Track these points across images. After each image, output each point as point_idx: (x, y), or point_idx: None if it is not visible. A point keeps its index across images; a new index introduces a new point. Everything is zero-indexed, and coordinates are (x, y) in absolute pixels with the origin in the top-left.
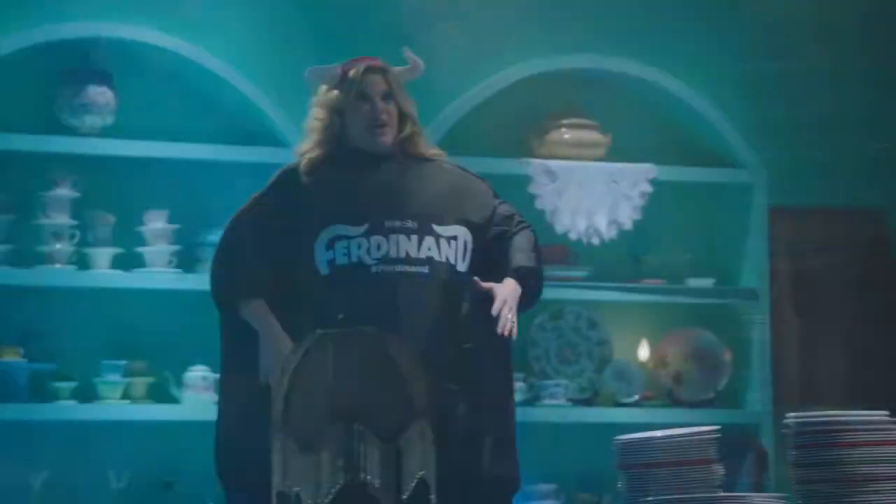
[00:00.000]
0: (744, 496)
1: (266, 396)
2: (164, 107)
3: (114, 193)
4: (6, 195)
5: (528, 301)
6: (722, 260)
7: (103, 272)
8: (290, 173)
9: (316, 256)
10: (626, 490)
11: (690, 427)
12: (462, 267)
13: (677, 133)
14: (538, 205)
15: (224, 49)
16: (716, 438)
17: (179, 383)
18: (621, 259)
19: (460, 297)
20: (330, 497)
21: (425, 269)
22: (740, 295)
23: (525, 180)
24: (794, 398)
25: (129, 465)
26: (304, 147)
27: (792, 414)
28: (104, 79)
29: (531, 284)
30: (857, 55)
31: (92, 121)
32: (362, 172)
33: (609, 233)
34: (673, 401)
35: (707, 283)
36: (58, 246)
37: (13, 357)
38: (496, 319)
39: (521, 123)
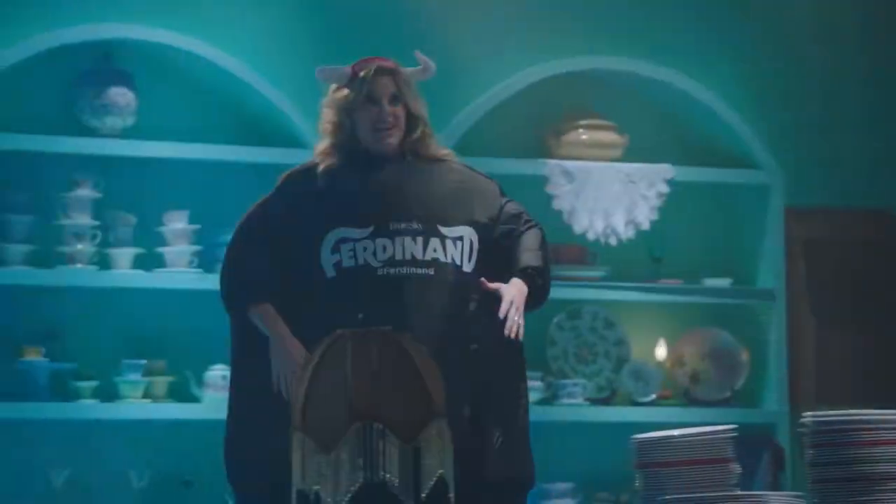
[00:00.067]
0: (760, 495)
1: (277, 400)
2: (184, 108)
3: (134, 194)
4: (28, 196)
5: (536, 300)
6: (739, 260)
7: (124, 272)
8: (296, 176)
9: (322, 259)
10: (644, 489)
11: (707, 426)
12: (468, 267)
13: (694, 134)
14: (556, 205)
15: (243, 50)
16: (733, 437)
17: (200, 382)
18: (639, 259)
19: (467, 297)
20: (349, 496)
21: (431, 271)
22: (757, 295)
23: (543, 181)
24: (810, 397)
25: (150, 464)
26: (320, 147)
27: (808, 413)
28: (125, 80)
29: (539, 284)
30: (874, 56)
31: (113, 122)
32: (368, 174)
33: (626, 233)
34: (690, 400)
35: (724, 283)
36: (79, 246)
37: (35, 356)
38: (503, 321)
39: (538, 124)
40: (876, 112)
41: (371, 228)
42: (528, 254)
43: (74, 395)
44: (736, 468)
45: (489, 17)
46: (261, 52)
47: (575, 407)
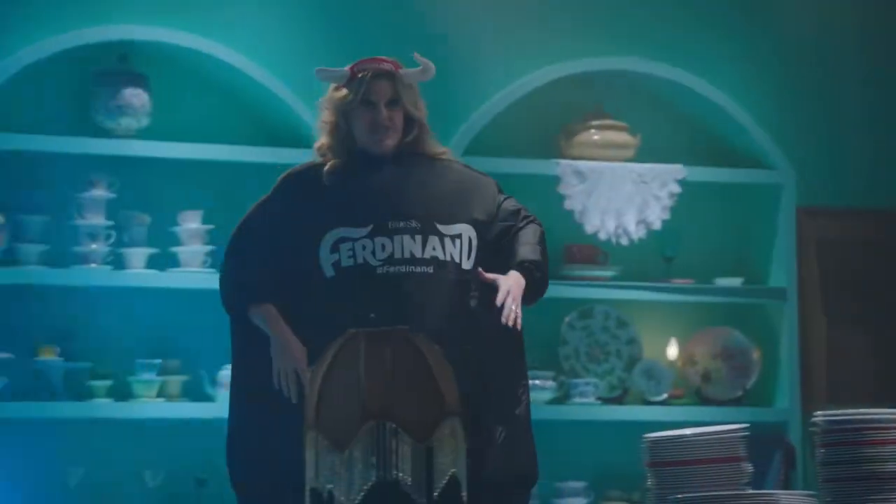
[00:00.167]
0: (772, 494)
1: (278, 401)
2: (198, 109)
3: (149, 194)
4: (43, 196)
5: (533, 294)
6: (750, 260)
7: (138, 272)
8: (294, 176)
9: (321, 259)
10: (655, 487)
11: (719, 425)
12: (467, 265)
13: (706, 134)
14: (568, 205)
15: (258, 52)
16: (744, 436)
17: (213, 382)
18: (651, 259)
19: (466, 295)
20: (362, 494)
21: (430, 269)
22: (769, 294)
23: (555, 181)
24: (821, 397)
25: (164, 463)
26: (317, 144)
27: (820, 412)
28: (139, 81)
29: (536, 277)
30: (885, 57)
31: (127, 123)
32: (366, 174)
33: (638, 233)
34: (701, 399)
35: (736, 282)
36: (93, 246)
37: (50, 356)
38: (500, 310)
39: (550, 125)
40: (889, 112)
41: (370, 227)
42: (526, 247)
43: (89, 395)
44: (748, 467)
45: (503, 17)
46: (275, 53)
47: (587, 406)
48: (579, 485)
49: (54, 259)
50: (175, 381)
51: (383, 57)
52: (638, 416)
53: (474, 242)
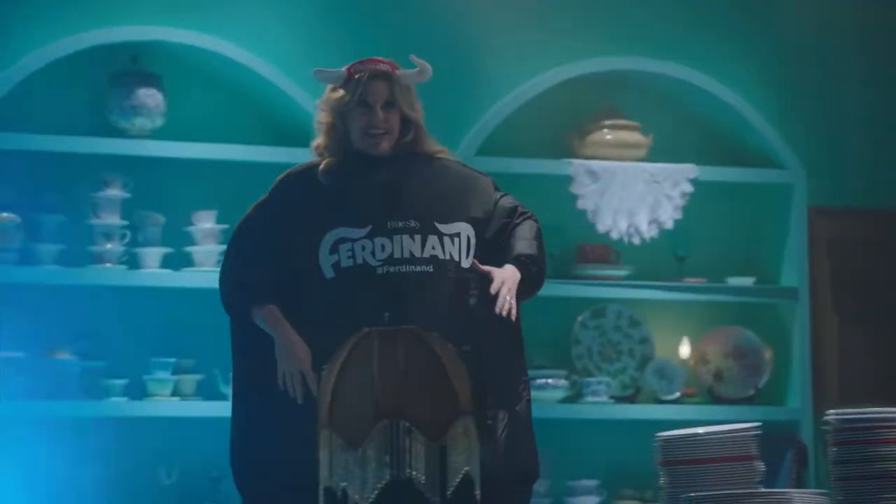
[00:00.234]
0: (784, 492)
1: (281, 401)
2: (212, 109)
3: (163, 194)
4: (58, 196)
5: (529, 288)
6: (762, 259)
7: (153, 272)
8: (292, 177)
9: (320, 260)
10: (668, 486)
11: (731, 424)
12: (466, 264)
13: (718, 134)
14: (580, 205)
15: (271, 52)
16: (756, 435)
17: (228, 380)
18: (663, 258)
19: (466, 293)
20: (376, 493)
21: (430, 268)
22: (780, 294)
23: (567, 181)
24: (833, 395)
25: (179, 461)
26: (314, 144)
27: (832, 411)
28: (153, 82)
29: (532, 271)
30: (885, 57)
31: (142, 123)
32: (364, 174)
33: (650, 232)
34: (714, 398)
35: (747, 282)
36: (108, 246)
37: (65, 355)
38: (494, 299)
39: (563, 124)
40: (890, 112)
41: (369, 228)
42: (522, 242)
43: (104, 393)
44: (760, 466)
45: (515, 18)
46: (288, 53)
47: (599, 405)
48: (592, 483)
49: (69, 259)
50: (189, 380)
51: (380, 58)
52: (650, 415)
53: (473, 241)
